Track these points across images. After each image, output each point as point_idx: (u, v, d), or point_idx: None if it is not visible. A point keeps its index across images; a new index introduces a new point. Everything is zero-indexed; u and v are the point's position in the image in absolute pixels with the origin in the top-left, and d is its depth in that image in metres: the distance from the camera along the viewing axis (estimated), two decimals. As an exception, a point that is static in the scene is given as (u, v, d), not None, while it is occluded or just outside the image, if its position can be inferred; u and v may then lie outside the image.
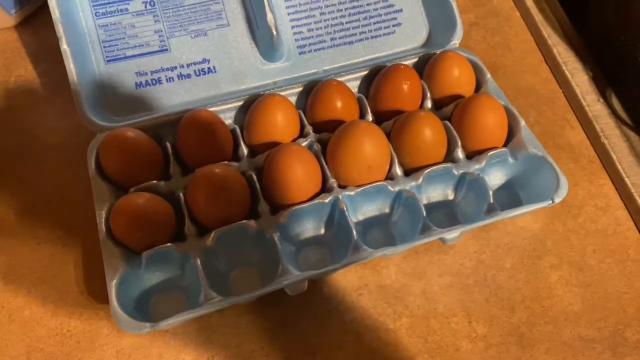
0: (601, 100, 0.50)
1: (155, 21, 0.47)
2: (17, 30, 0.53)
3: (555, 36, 0.54)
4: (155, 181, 0.40)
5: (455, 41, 0.49)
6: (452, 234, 0.39)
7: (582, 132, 0.49)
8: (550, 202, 0.40)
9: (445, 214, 0.43)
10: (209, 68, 0.47)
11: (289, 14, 0.49)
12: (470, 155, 0.43)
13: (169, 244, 0.38)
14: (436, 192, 0.44)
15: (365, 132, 0.40)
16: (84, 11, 0.46)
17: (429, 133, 0.42)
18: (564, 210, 0.44)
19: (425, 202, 0.43)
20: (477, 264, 0.41)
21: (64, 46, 0.43)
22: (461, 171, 0.42)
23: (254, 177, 0.41)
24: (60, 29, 0.44)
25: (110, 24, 0.46)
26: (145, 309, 0.38)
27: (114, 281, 0.36)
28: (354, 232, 0.39)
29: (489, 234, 0.43)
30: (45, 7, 0.53)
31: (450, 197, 0.44)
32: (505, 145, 0.44)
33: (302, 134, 0.44)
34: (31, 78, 0.51)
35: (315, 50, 0.49)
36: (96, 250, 0.39)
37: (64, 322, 0.39)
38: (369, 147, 0.40)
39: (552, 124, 0.49)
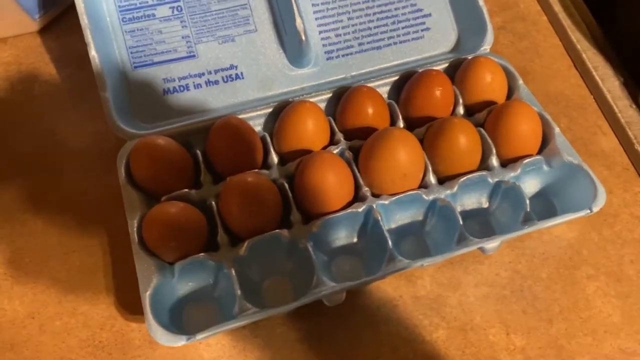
0: (633, 106, 0.49)
1: (182, 27, 0.46)
2: (41, 36, 0.53)
3: (584, 41, 0.54)
4: (186, 190, 0.40)
5: (486, 46, 0.48)
6: (492, 244, 0.38)
7: (614, 138, 0.48)
8: (588, 211, 0.40)
9: (479, 223, 0.43)
10: (236, 74, 0.47)
11: (316, 19, 0.48)
12: (504, 163, 0.43)
13: (202, 254, 0.37)
14: (470, 201, 0.43)
15: (399, 140, 0.40)
16: (111, 17, 0.45)
17: (463, 140, 0.41)
18: (599, 219, 0.43)
19: (459, 209, 0.42)
20: (513, 274, 0.41)
21: (92, 52, 0.43)
22: (496, 179, 0.42)
23: (286, 185, 0.40)
24: (88, 35, 0.43)
25: (138, 30, 0.46)
26: (178, 320, 0.38)
27: (148, 292, 0.35)
28: (390, 242, 0.38)
29: (524, 244, 0.42)
30: (68, 11, 0.54)
31: (485, 205, 0.43)
32: (539, 152, 0.43)
33: (333, 141, 0.44)
34: (55, 83, 0.50)
35: (343, 56, 0.48)
36: (125, 259, 0.39)
37: (96, 333, 0.38)
38: (403, 155, 0.39)
39: (583, 131, 0.49)
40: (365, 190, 0.40)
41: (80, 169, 0.45)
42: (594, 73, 0.51)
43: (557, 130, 0.43)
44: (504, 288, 0.40)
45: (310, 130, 0.42)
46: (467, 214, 0.42)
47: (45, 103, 0.49)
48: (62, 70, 0.51)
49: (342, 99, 0.45)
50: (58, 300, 0.39)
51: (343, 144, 0.42)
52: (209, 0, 0.47)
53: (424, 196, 0.41)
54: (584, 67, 0.52)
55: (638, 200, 0.45)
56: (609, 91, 0.50)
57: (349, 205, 0.40)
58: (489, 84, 0.45)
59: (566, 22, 0.55)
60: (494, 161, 0.42)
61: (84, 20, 0.43)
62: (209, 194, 0.40)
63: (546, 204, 0.43)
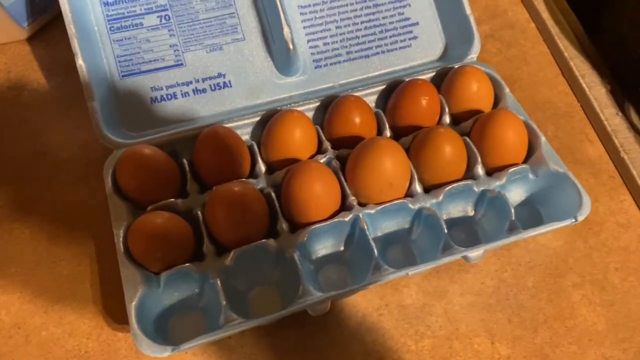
0: (620, 114, 0.49)
1: (170, 35, 0.46)
2: (30, 43, 0.53)
3: (572, 49, 0.54)
4: (172, 199, 0.40)
5: (473, 55, 0.49)
6: (475, 252, 0.38)
7: (601, 146, 0.48)
8: (574, 220, 0.40)
9: (465, 231, 0.43)
10: (224, 82, 0.47)
11: (304, 27, 0.48)
12: (490, 172, 0.43)
13: (187, 264, 0.37)
14: (456, 209, 0.43)
15: (385, 149, 0.40)
16: (98, 26, 0.45)
17: (449, 149, 0.41)
18: (585, 227, 0.44)
19: (444, 218, 0.42)
20: (498, 282, 0.41)
21: (80, 61, 0.43)
22: (481, 188, 0.42)
23: (273, 194, 0.40)
24: (75, 44, 0.43)
25: (125, 39, 0.46)
26: (163, 330, 0.38)
27: (134, 303, 0.36)
28: (375, 252, 0.38)
29: (510, 252, 0.42)
30: (57, 19, 0.54)
31: (470, 214, 0.43)
32: (525, 161, 0.43)
33: (320, 150, 0.44)
34: (44, 91, 0.50)
35: (331, 64, 0.49)
36: (112, 268, 0.39)
37: (82, 343, 0.38)
38: (389, 164, 0.40)
39: (570, 139, 0.49)
40: (352, 199, 0.40)
41: (68, 177, 0.45)
42: (581, 81, 0.52)
43: (543, 139, 0.43)
44: (490, 297, 0.40)
45: (298, 139, 0.42)
46: (452, 223, 0.42)
47: (34, 111, 0.49)
48: (51, 79, 0.51)
49: (329, 108, 0.45)
50: (44, 310, 0.39)
51: (330, 153, 0.43)
52: (196, 9, 0.47)
53: (410, 205, 0.41)
54: (571, 75, 0.53)
55: (623, 208, 0.45)
56: (595, 99, 0.50)
57: (335, 214, 0.40)
58: (475, 93, 0.45)
59: (554, 29, 0.55)
60: (480, 170, 0.42)
61: (71, 29, 0.43)
62: (195, 204, 0.40)
63: (532, 213, 0.44)
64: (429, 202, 0.41)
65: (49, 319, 0.39)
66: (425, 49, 0.50)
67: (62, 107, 0.49)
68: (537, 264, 0.42)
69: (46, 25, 0.54)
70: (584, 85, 0.51)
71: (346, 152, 0.42)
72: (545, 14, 0.56)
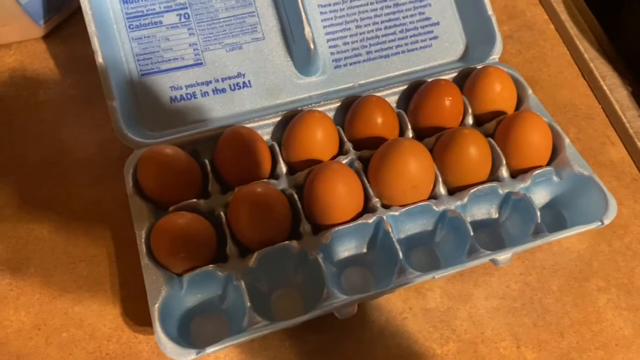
0: (642, 116, 0.49)
1: (189, 34, 0.46)
2: (46, 41, 0.53)
3: (592, 50, 0.53)
4: (195, 200, 0.39)
5: (495, 56, 0.48)
6: (504, 256, 0.38)
7: (623, 149, 0.48)
8: (600, 223, 0.39)
9: (489, 234, 0.42)
10: (244, 82, 0.46)
11: (324, 27, 0.48)
12: (514, 174, 0.42)
13: (211, 265, 0.37)
14: (480, 211, 0.43)
15: (410, 151, 0.39)
16: (117, 24, 0.45)
17: (474, 151, 0.41)
18: (609, 231, 0.43)
19: (468, 219, 0.42)
20: (523, 286, 0.40)
21: (100, 60, 0.42)
22: (506, 190, 0.41)
23: (295, 196, 0.40)
24: (95, 43, 0.42)
25: (144, 37, 0.45)
26: (186, 332, 0.37)
27: (157, 305, 0.35)
28: (400, 254, 0.38)
29: (534, 255, 0.42)
30: (73, 17, 0.53)
31: (494, 216, 0.43)
32: (549, 163, 0.43)
33: (342, 151, 0.43)
34: (60, 90, 0.50)
35: (351, 64, 0.48)
36: (132, 269, 0.38)
37: (103, 345, 0.37)
38: (414, 166, 0.39)
39: (592, 141, 0.48)
40: (375, 201, 0.40)
41: (85, 177, 0.45)
42: (602, 83, 0.51)
43: (567, 141, 0.43)
44: (515, 300, 0.40)
45: (320, 140, 0.42)
46: (477, 225, 0.42)
47: (51, 110, 0.49)
48: (67, 77, 0.51)
49: (350, 108, 0.44)
50: (64, 312, 0.39)
51: (352, 154, 0.42)
52: (216, 8, 0.46)
53: (434, 207, 0.40)
54: (591, 77, 0.52)
55: (647, 211, 0.44)
56: (617, 101, 0.50)
57: (358, 216, 0.40)
58: (498, 94, 0.45)
59: (573, 30, 0.55)
60: (504, 172, 0.42)
61: (91, 27, 0.43)
62: (217, 204, 0.40)
63: (556, 215, 0.43)
64: (453, 205, 0.40)
65: (70, 321, 0.38)
66: (446, 49, 0.50)
67: (79, 106, 0.49)
68: (561, 267, 0.41)
69: (62, 23, 0.53)
70: (605, 87, 0.51)
71: (368, 153, 0.42)
72: (564, 15, 0.56)
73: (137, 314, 0.39)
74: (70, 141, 0.47)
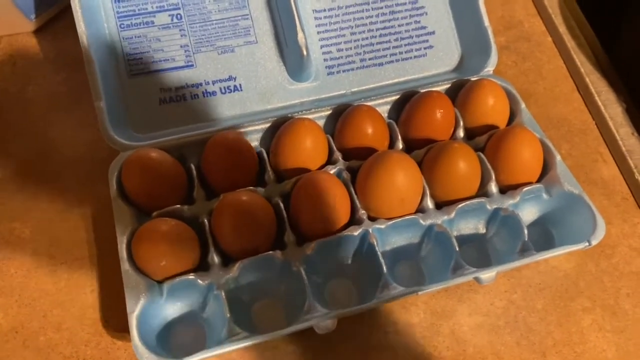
0: (635, 134, 0.49)
1: (181, 35, 0.45)
2: (37, 36, 0.52)
3: (588, 64, 0.53)
4: (179, 206, 0.39)
5: (490, 68, 0.48)
6: (488, 274, 0.37)
7: (615, 167, 0.48)
8: (587, 244, 0.39)
9: (476, 250, 0.42)
10: (235, 86, 0.46)
11: (318, 32, 0.47)
12: (504, 189, 0.42)
13: (192, 274, 0.36)
14: (467, 227, 0.42)
15: (398, 164, 0.39)
16: (108, 22, 0.44)
17: (463, 166, 0.40)
18: (597, 250, 0.43)
19: (455, 235, 0.41)
20: (507, 304, 0.40)
21: (88, 59, 0.42)
22: (494, 206, 0.41)
23: (281, 204, 0.40)
24: (84, 41, 0.42)
25: (135, 37, 0.45)
26: (165, 340, 0.37)
27: (135, 313, 0.35)
28: (385, 269, 0.37)
29: (521, 273, 0.41)
30: (65, 12, 0.53)
31: (482, 232, 0.42)
32: (539, 179, 0.43)
33: (330, 160, 0.43)
34: (50, 86, 0.49)
35: (344, 71, 0.48)
36: (113, 274, 0.38)
37: (80, 351, 0.37)
38: (402, 179, 0.39)
39: (584, 157, 0.48)
40: (362, 213, 0.39)
41: (72, 177, 0.44)
42: (597, 98, 0.51)
43: (558, 158, 0.42)
44: (499, 318, 0.40)
45: (308, 148, 0.42)
46: (463, 240, 0.42)
47: (39, 106, 0.48)
48: (57, 73, 0.50)
49: (341, 117, 0.44)
50: (43, 314, 0.38)
51: (341, 164, 0.42)
52: (209, 10, 0.46)
53: (420, 221, 0.40)
54: (587, 91, 0.52)
55: (637, 231, 0.44)
56: (611, 118, 0.49)
57: (344, 227, 0.39)
58: (491, 108, 0.44)
59: (571, 43, 0.54)
60: (493, 187, 0.41)
61: (80, 26, 0.42)
62: (201, 211, 0.39)
63: (544, 233, 0.43)
64: (440, 219, 0.40)
65: (48, 324, 0.38)
66: (440, 58, 0.49)
67: (68, 104, 0.48)
68: (547, 286, 0.41)
69: (54, 18, 0.53)
70: (600, 103, 0.50)
71: (357, 163, 0.42)
72: (562, 28, 0.55)
73: (116, 320, 0.38)
74: (58, 139, 0.47)
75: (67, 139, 0.46)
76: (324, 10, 0.47)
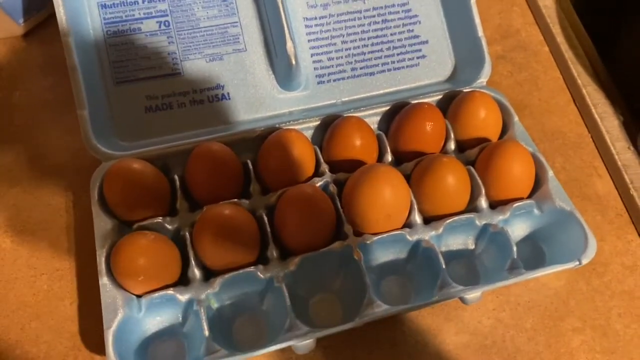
0: (631, 148, 0.47)
1: (169, 42, 0.45)
2: (25, 40, 0.51)
3: (585, 75, 0.52)
4: (160, 218, 0.38)
5: (483, 79, 0.47)
6: (473, 294, 0.37)
7: (610, 181, 0.47)
8: (578, 263, 0.38)
9: (465, 266, 0.41)
10: (222, 94, 0.45)
11: (309, 40, 0.47)
12: (494, 204, 0.41)
13: (171, 289, 0.36)
14: (456, 242, 0.41)
15: (385, 179, 0.38)
16: (94, 29, 0.44)
17: (452, 180, 0.39)
18: (588, 268, 0.42)
19: (443, 250, 0.41)
20: (495, 322, 0.39)
21: (73, 66, 0.41)
22: (484, 222, 0.40)
23: (265, 218, 0.39)
24: (69, 47, 0.41)
25: (122, 44, 0.44)
26: (143, 357, 0.36)
27: (112, 329, 0.34)
28: (369, 286, 0.36)
29: (509, 290, 0.41)
30: (55, 17, 0.51)
31: (471, 247, 0.42)
32: (530, 195, 0.42)
33: (317, 172, 0.42)
34: (36, 92, 0.49)
35: (334, 81, 0.47)
36: (94, 286, 0.37)
37: (57, 365, 0.36)
38: (389, 194, 0.38)
39: (578, 171, 0.47)
40: (347, 228, 0.39)
41: (55, 185, 0.44)
42: (593, 110, 0.50)
43: (550, 173, 0.41)
44: (486, 338, 0.39)
45: (295, 160, 0.41)
46: (451, 256, 0.41)
47: (24, 112, 0.48)
48: (45, 79, 0.49)
49: (329, 128, 0.43)
50: (21, 327, 0.38)
51: (328, 177, 0.41)
52: (198, 17, 0.45)
53: (407, 237, 0.39)
54: (583, 103, 0.51)
55: (630, 249, 0.43)
56: (607, 131, 0.48)
57: (330, 242, 0.38)
58: (482, 120, 0.43)
59: (568, 54, 0.53)
60: (483, 203, 0.40)
61: (64, 31, 0.41)
62: (184, 223, 0.38)
63: (534, 249, 0.42)
64: (427, 235, 0.39)
65: (25, 337, 0.37)
66: (433, 69, 0.48)
67: (55, 110, 0.48)
68: (536, 305, 0.40)
69: (43, 22, 0.52)
70: (596, 116, 0.49)
71: (344, 176, 0.41)
72: (559, 38, 0.54)
73: (95, 333, 0.37)
74: (43, 147, 0.46)
75: (52, 147, 0.46)
76: (315, 18, 0.47)
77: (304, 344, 0.35)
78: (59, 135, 0.46)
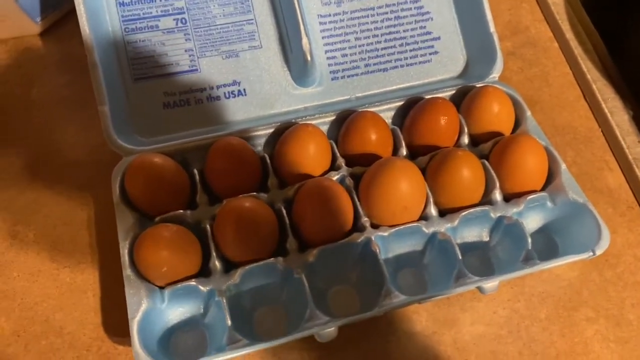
0: (642, 142, 0.48)
1: (186, 40, 0.45)
2: (42, 39, 0.52)
3: (595, 71, 0.53)
4: (181, 211, 0.39)
5: (495, 74, 0.47)
6: (490, 284, 0.37)
7: (621, 175, 0.47)
8: (591, 253, 0.39)
9: (479, 258, 0.42)
10: (239, 91, 0.46)
11: (323, 37, 0.47)
12: (508, 197, 0.42)
13: (193, 280, 0.36)
14: (471, 234, 0.42)
15: (401, 171, 0.39)
16: (113, 27, 0.44)
17: (467, 173, 0.40)
18: (601, 260, 0.42)
19: (458, 242, 0.41)
20: (510, 313, 0.40)
21: (93, 63, 0.42)
22: (498, 214, 0.41)
23: (284, 210, 0.39)
24: (89, 45, 0.42)
25: (140, 41, 0.45)
26: (166, 346, 0.37)
27: (137, 319, 0.35)
28: (387, 277, 0.37)
29: (524, 281, 0.41)
30: (71, 15, 0.53)
31: (485, 239, 0.42)
32: (544, 188, 0.42)
33: (334, 166, 0.43)
34: (54, 89, 0.49)
35: (348, 77, 0.47)
36: (116, 278, 0.38)
37: (82, 355, 0.37)
38: (405, 187, 0.39)
39: (590, 165, 0.48)
40: (365, 220, 0.39)
41: (75, 181, 0.44)
42: (603, 105, 0.50)
43: (563, 166, 0.42)
44: (501, 327, 0.39)
45: (312, 154, 0.41)
46: (466, 248, 0.41)
47: (42, 109, 0.48)
48: (62, 76, 0.50)
49: (345, 123, 0.44)
50: (45, 319, 0.38)
51: (344, 171, 0.42)
52: (214, 14, 0.46)
53: (424, 229, 0.40)
54: (593, 99, 0.51)
55: (642, 241, 0.44)
56: (617, 125, 0.49)
57: (347, 234, 0.39)
58: (496, 115, 0.44)
59: (577, 50, 0.54)
60: (497, 195, 0.41)
61: (85, 30, 0.42)
62: (204, 216, 0.39)
63: (548, 242, 0.42)
64: (443, 227, 0.40)
65: (50, 328, 0.38)
66: (445, 64, 0.49)
67: (72, 107, 0.48)
68: (550, 295, 0.41)
69: (60, 20, 0.53)
70: (606, 110, 0.50)
71: (360, 170, 0.41)
72: (569, 34, 0.55)
73: (118, 324, 0.38)
74: (61, 143, 0.47)
75: (70, 142, 0.46)
76: (329, 15, 0.47)
77: (326, 332, 0.35)
78: (76, 131, 0.47)
